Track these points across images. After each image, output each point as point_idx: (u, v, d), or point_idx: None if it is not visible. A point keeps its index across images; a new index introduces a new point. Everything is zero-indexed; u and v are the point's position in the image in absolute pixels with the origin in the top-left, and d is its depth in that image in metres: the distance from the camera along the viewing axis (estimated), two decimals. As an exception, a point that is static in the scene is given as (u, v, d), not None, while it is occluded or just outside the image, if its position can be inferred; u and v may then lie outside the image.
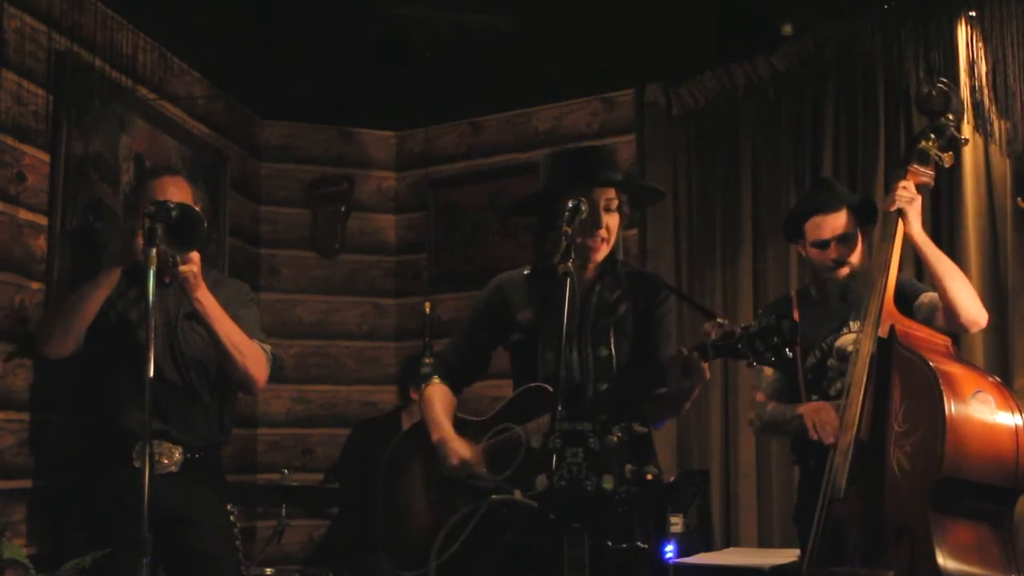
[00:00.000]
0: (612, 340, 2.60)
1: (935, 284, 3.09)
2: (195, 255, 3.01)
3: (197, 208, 3.17)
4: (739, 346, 2.27)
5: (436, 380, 2.80)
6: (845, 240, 3.22)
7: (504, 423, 2.62)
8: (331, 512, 4.50)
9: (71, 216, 3.66)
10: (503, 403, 2.68)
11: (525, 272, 2.75)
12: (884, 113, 4.38)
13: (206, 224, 2.89)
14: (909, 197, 3.08)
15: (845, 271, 3.22)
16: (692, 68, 4.84)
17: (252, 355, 3.19)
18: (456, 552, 2.23)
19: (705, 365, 2.34)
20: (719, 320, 2.32)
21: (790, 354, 2.29)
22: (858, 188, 4.40)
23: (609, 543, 2.30)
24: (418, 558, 2.50)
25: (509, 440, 2.58)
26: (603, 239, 2.59)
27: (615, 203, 2.61)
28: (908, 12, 4.26)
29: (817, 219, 3.24)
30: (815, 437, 3.01)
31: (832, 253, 3.22)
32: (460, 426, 2.71)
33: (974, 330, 3.14)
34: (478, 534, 2.22)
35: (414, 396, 4.52)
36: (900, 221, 3.08)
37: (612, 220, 2.61)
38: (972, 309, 3.06)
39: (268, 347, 3.31)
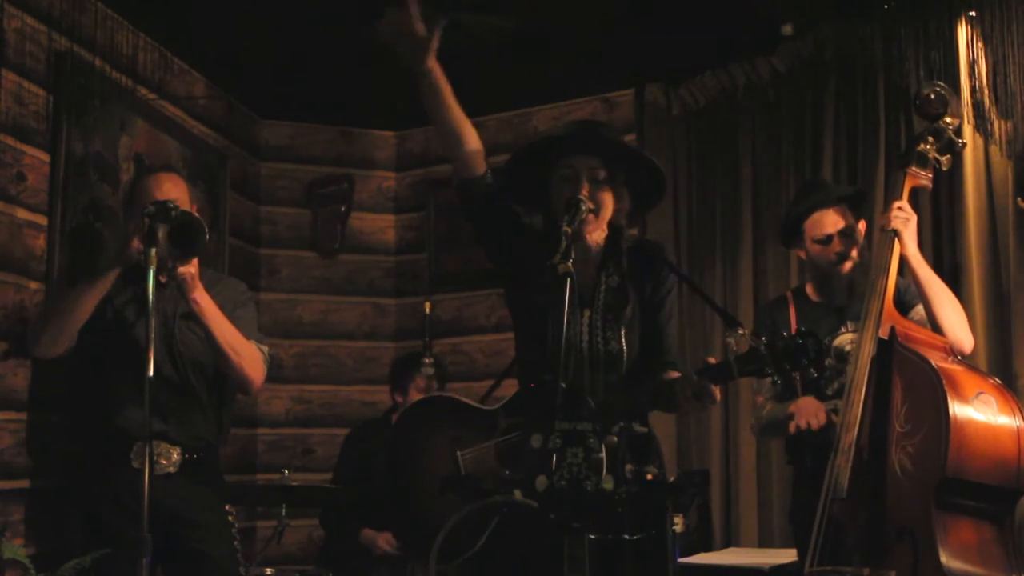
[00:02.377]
0: (623, 334, 2.56)
1: (924, 305, 3.11)
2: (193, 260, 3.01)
3: (194, 208, 3.19)
4: (766, 368, 2.23)
5: None
6: (846, 234, 3.24)
7: (513, 417, 2.56)
8: (338, 518, 4.49)
9: (71, 216, 3.66)
10: (514, 394, 2.63)
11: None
12: (884, 113, 4.38)
13: (207, 231, 2.91)
14: (904, 217, 3.09)
15: (849, 265, 3.24)
16: (692, 68, 4.83)
17: (249, 356, 3.18)
18: (462, 552, 2.22)
19: (716, 388, 2.32)
20: (741, 332, 2.29)
21: (815, 374, 2.28)
22: (850, 187, 4.40)
23: (627, 536, 2.28)
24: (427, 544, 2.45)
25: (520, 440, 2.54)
26: (589, 210, 2.47)
27: (601, 174, 2.51)
28: (908, 12, 4.26)
29: (817, 215, 3.26)
30: (803, 426, 3.05)
31: (836, 247, 3.23)
32: (465, 412, 2.64)
33: (957, 356, 3.15)
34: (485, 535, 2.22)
35: (399, 400, 4.52)
36: (896, 240, 3.08)
37: (600, 194, 2.51)
38: (959, 334, 3.07)
39: (266, 348, 3.31)
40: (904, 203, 3.12)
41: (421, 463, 2.67)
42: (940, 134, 3.19)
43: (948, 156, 3.22)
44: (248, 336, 3.24)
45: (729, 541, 4.58)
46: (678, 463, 4.70)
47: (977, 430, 2.71)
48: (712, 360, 2.36)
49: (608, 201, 2.55)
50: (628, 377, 2.57)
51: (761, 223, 4.70)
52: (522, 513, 2.17)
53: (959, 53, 4.11)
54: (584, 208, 2.44)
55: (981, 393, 2.76)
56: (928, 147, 3.18)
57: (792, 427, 3.09)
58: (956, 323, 3.08)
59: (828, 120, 4.53)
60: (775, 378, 2.24)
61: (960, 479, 2.69)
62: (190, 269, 3.01)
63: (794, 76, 4.63)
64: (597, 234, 2.57)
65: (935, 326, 3.06)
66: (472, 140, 2.60)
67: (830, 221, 3.24)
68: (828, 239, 3.24)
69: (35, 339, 3.13)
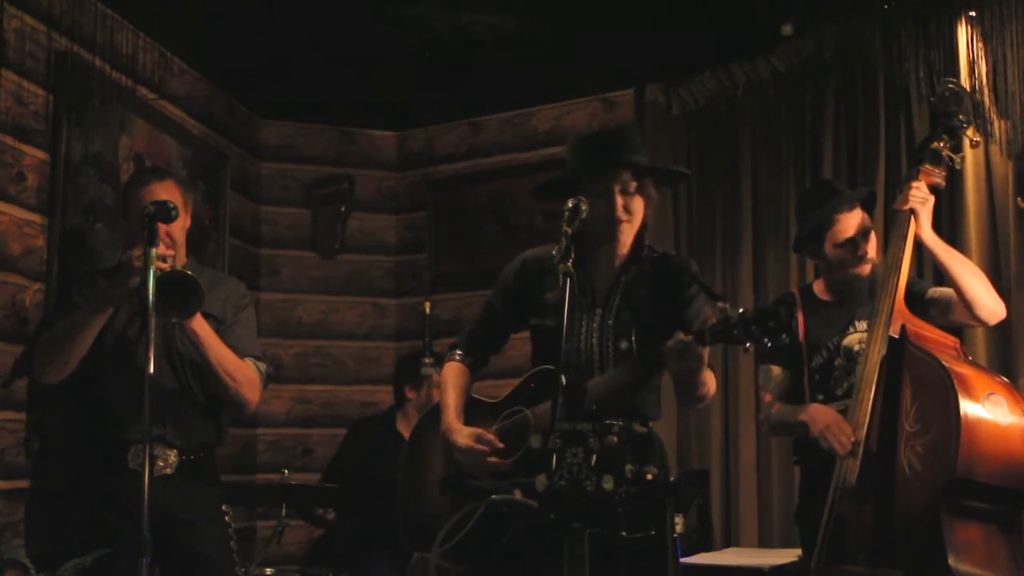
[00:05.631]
0: (633, 333, 2.59)
1: (949, 282, 3.08)
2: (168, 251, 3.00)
3: (189, 210, 3.19)
4: (735, 332, 2.27)
5: (458, 355, 2.86)
6: (867, 235, 3.22)
7: (515, 405, 2.64)
8: (325, 517, 4.49)
9: (71, 216, 3.66)
10: (515, 385, 2.69)
11: (554, 252, 2.73)
12: (884, 113, 4.38)
13: (203, 289, 2.93)
14: (922, 197, 3.07)
15: (869, 267, 3.21)
16: (692, 68, 4.83)
17: (244, 379, 3.18)
18: (461, 550, 2.24)
19: (705, 349, 2.35)
20: (720, 306, 2.32)
21: (787, 340, 2.29)
22: (865, 187, 4.40)
23: (624, 533, 2.29)
24: (427, 538, 2.52)
25: (518, 423, 2.60)
26: (622, 220, 2.59)
27: (633, 185, 2.59)
28: (908, 12, 4.25)
29: (841, 221, 3.20)
30: (827, 448, 2.98)
31: (860, 250, 3.19)
32: (473, 407, 2.74)
33: (994, 322, 3.14)
34: (481, 533, 2.23)
35: (409, 395, 4.51)
36: (912, 221, 3.07)
37: (632, 202, 2.60)
38: (990, 302, 3.06)
39: (263, 365, 3.29)
40: (921, 183, 3.09)
41: (429, 459, 2.78)
42: (954, 132, 3.17)
43: (962, 155, 3.21)
44: (247, 350, 3.24)
45: (729, 541, 4.58)
46: (678, 463, 4.70)
47: (987, 431, 2.69)
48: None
49: (640, 207, 2.63)
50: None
51: (761, 223, 4.70)
52: (522, 513, 2.18)
53: (959, 53, 4.11)
54: (584, 209, 2.45)
55: (992, 394, 2.74)
56: (942, 145, 3.16)
57: (815, 433, 3.00)
58: (984, 295, 3.05)
59: (828, 120, 4.53)
60: (745, 342, 2.27)
61: (969, 480, 2.67)
62: (168, 252, 3.00)
63: (794, 76, 4.63)
64: (627, 241, 2.65)
65: (966, 300, 3.02)
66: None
67: (853, 224, 3.20)
68: (853, 242, 3.19)
69: (41, 371, 3.13)
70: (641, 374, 2.55)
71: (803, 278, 4.40)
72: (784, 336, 2.26)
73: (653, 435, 2.62)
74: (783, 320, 2.23)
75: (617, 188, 2.58)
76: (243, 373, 3.18)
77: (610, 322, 2.61)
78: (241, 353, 3.20)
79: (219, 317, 3.22)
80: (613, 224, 2.59)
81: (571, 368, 2.51)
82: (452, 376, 2.82)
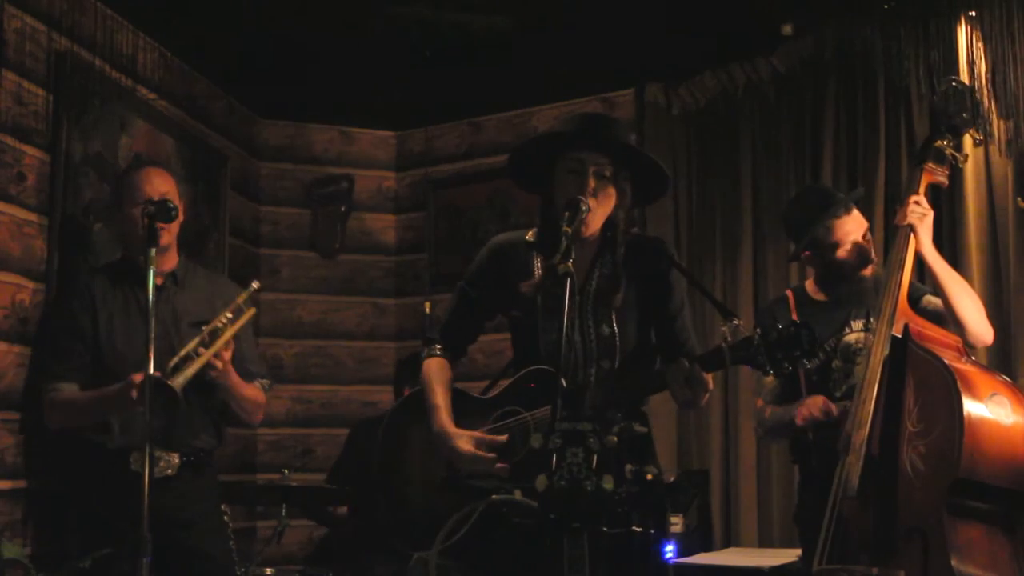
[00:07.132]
0: (614, 318, 2.56)
1: (943, 300, 3.07)
2: (226, 353, 3.04)
3: (181, 204, 3.17)
4: (759, 357, 2.22)
5: (437, 349, 2.73)
6: (867, 236, 3.21)
7: (510, 406, 2.58)
8: (336, 513, 4.48)
9: (71, 216, 3.66)
10: (508, 382, 2.64)
11: (527, 238, 2.66)
12: (884, 113, 4.38)
13: (181, 398, 2.93)
14: (921, 213, 3.05)
15: (872, 268, 3.20)
16: (692, 68, 4.84)
17: (255, 408, 3.30)
18: (461, 548, 2.24)
19: (708, 376, 2.32)
20: (736, 323, 2.29)
21: (808, 365, 2.26)
22: (858, 188, 4.40)
23: (604, 528, 2.28)
24: (419, 537, 2.48)
25: (518, 427, 2.55)
26: (588, 209, 2.46)
27: (607, 171, 2.49)
28: (908, 12, 4.26)
29: (844, 226, 3.18)
30: (803, 420, 3.04)
31: (866, 252, 3.18)
32: (460, 400, 2.66)
33: (980, 346, 3.13)
34: (481, 532, 2.23)
35: None
36: (911, 237, 3.06)
37: (602, 189, 2.50)
38: (980, 327, 3.05)
39: (267, 382, 3.38)
40: (920, 197, 3.08)
41: (411, 452, 2.70)
42: (958, 130, 3.16)
43: (965, 153, 3.20)
44: (254, 371, 3.31)
45: (729, 541, 4.58)
46: (678, 463, 4.70)
47: (991, 431, 2.68)
48: None
49: (610, 197, 2.54)
50: (629, 366, 2.56)
51: (761, 223, 4.70)
52: (522, 513, 2.18)
53: (959, 53, 4.12)
54: (584, 209, 2.44)
55: (995, 394, 2.72)
56: (946, 143, 3.14)
57: (799, 419, 3.07)
58: (976, 316, 3.05)
59: (828, 120, 4.53)
60: (768, 368, 2.23)
61: (972, 480, 2.65)
62: (218, 363, 3.04)
63: (794, 76, 4.64)
64: (594, 227, 2.56)
65: (956, 319, 3.02)
66: None
67: (855, 225, 3.18)
68: (860, 245, 3.18)
69: (56, 425, 3.15)
70: (638, 392, 2.54)
71: (803, 278, 4.40)
72: (807, 362, 2.23)
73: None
74: (806, 346, 2.19)
75: (592, 169, 2.48)
76: (254, 402, 3.28)
77: (589, 308, 2.57)
78: (249, 376, 3.26)
79: None
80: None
81: (562, 363, 2.49)
82: (435, 372, 2.68)
